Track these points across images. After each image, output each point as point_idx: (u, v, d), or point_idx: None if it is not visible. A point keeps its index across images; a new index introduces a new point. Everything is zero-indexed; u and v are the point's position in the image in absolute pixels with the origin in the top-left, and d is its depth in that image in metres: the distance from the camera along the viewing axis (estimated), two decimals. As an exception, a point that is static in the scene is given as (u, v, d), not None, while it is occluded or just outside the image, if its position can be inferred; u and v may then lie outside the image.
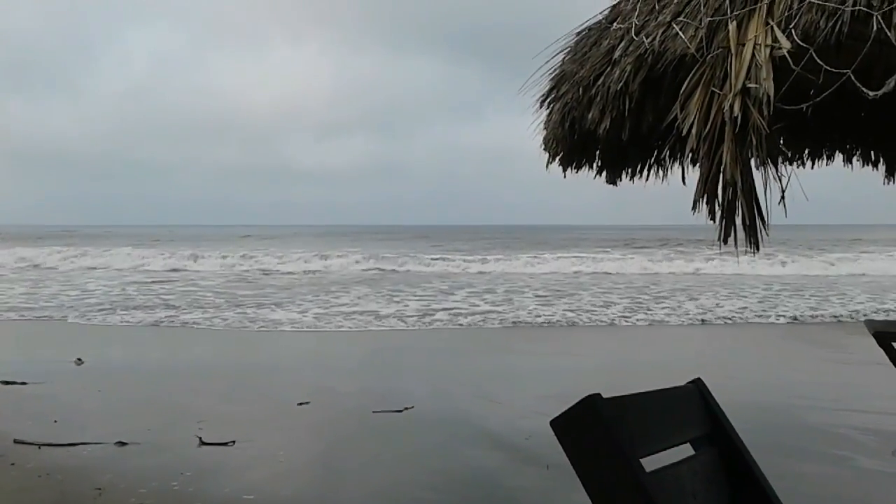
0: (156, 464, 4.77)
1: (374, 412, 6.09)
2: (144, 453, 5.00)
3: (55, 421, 5.76)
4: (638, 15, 3.05)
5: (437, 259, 27.26)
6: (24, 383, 7.07)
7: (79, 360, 8.39)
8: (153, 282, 20.24)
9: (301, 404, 6.34)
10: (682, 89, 2.63)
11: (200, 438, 5.21)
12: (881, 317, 13.09)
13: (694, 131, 2.51)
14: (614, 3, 3.44)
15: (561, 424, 1.26)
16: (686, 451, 1.54)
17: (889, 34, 2.14)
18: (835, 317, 13.02)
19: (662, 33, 2.82)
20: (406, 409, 6.18)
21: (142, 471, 4.62)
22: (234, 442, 5.18)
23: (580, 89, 3.31)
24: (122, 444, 5.13)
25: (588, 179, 4.38)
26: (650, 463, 1.30)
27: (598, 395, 1.26)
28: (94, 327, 11.88)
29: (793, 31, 2.34)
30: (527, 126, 4.08)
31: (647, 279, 21.07)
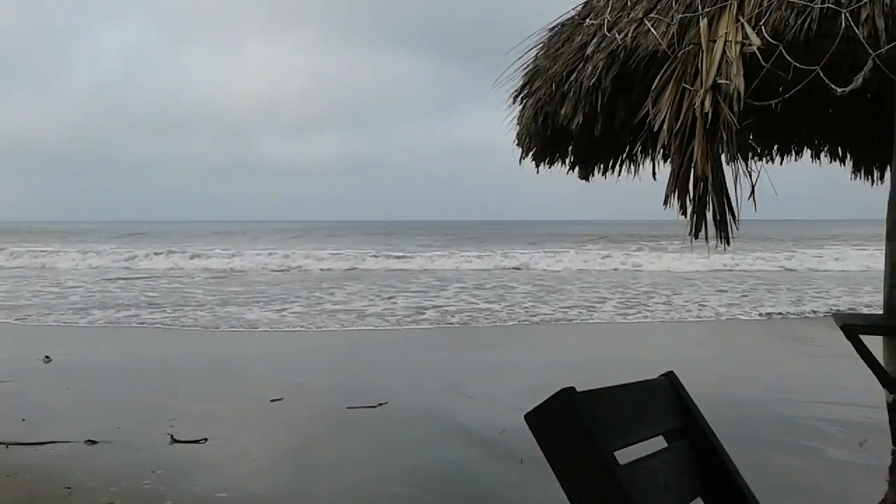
0: (126, 462, 4.71)
1: (348, 408, 6.07)
2: (115, 452, 4.93)
3: (23, 419, 5.67)
4: (610, 11, 3.07)
5: (413, 255, 26.92)
6: (-10, 382, 6.96)
7: (47, 357, 8.26)
8: (116, 279, 20.01)
9: (274, 401, 6.30)
10: (654, 85, 2.65)
11: (172, 436, 5.16)
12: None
13: (665, 127, 2.54)
14: (587, -1, 3.46)
15: (535, 418, 1.26)
16: (659, 443, 1.56)
17: (857, 31, 2.18)
18: (814, 312, 13.22)
19: (634, 30, 2.84)
20: (380, 404, 6.16)
21: (112, 469, 4.57)
22: (206, 439, 5.14)
23: (553, 85, 3.33)
24: (92, 442, 5.07)
25: (565, 175, 4.41)
26: (624, 455, 1.31)
27: (572, 388, 1.26)
28: (61, 325, 11.71)
29: (763, 28, 2.38)
30: (502, 122, 4.09)
31: (623, 275, 21.18)
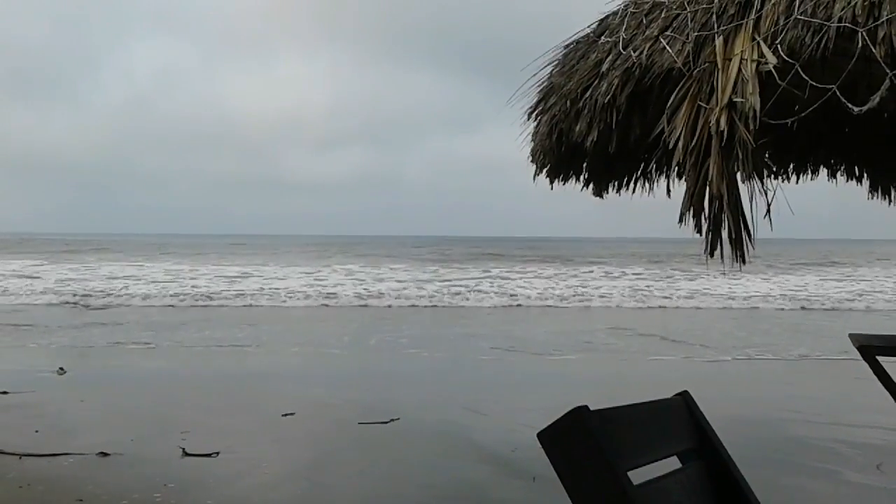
0: (138, 475, 4.72)
1: (359, 423, 6.06)
2: (127, 464, 4.94)
3: (37, 431, 5.69)
4: (626, 29, 3.07)
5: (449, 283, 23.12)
6: (4, 392, 6.99)
7: (61, 369, 8.31)
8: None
9: (286, 415, 6.30)
10: (669, 103, 2.64)
11: (184, 449, 5.16)
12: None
13: (680, 145, 2.53)
14: (602, 16, 3.47)
15: (548, 437, 1.25)
16: (673, 463, 1.54)
17: (874, 50, 2.16)
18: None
19: (650, 47, 2.84)
20: (392, 420, 6.15)
21: (124, 482, 4.57)
22: (217, 453, 5.14)
23: (568, 102, 3.32)
24: (105, 454, 5.08)
25: (579, 192, 4.40)
26: (637, 476, 1.30)
27: (585, 406, 1.26)
28: (76, 337, 11.77)
29: (779, 46, 2.37)
30: (517, 138, 4.10)
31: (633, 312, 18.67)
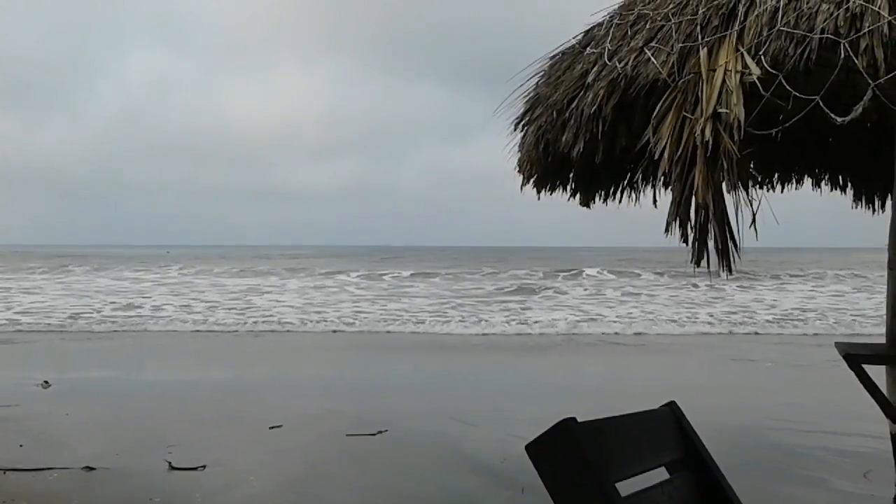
0: (124, 489, 4.67)
1: (347, 435, 6.03)
2: (112, 478, 4.89)
3: (21, 445, 5.63)
4: (611, 40, 3.09)
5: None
6: (-12, 407, 6.92)
7: (45, 382, 8.23)
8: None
9: (273, 427, 6.26)
10: (655, 113, 2.66)
11: (170, 463, 5.12)
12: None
13: (666, 155, 2.54)
14: (588, 28, 3.49)
15: (536, 449, 1.25)
16: (661, 474, 1.54)
17: (856, 61, 2.19)
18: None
19: (635, 58, 2.86)
20: (380, 432, 6.12)
21: (109, 496, 4.53)
22: (204, 467, 5.10)
23: (554, 113, 3.34)
24: (90, 468, 5.02)
25: (566, 202, 4.41)
26: (625, 487, 1.30)
27: (573, 418, 1.26)
28: (60, 349, 11.67)
29: (762, 57, 2.39)
30: (503, 148, 4.11)
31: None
